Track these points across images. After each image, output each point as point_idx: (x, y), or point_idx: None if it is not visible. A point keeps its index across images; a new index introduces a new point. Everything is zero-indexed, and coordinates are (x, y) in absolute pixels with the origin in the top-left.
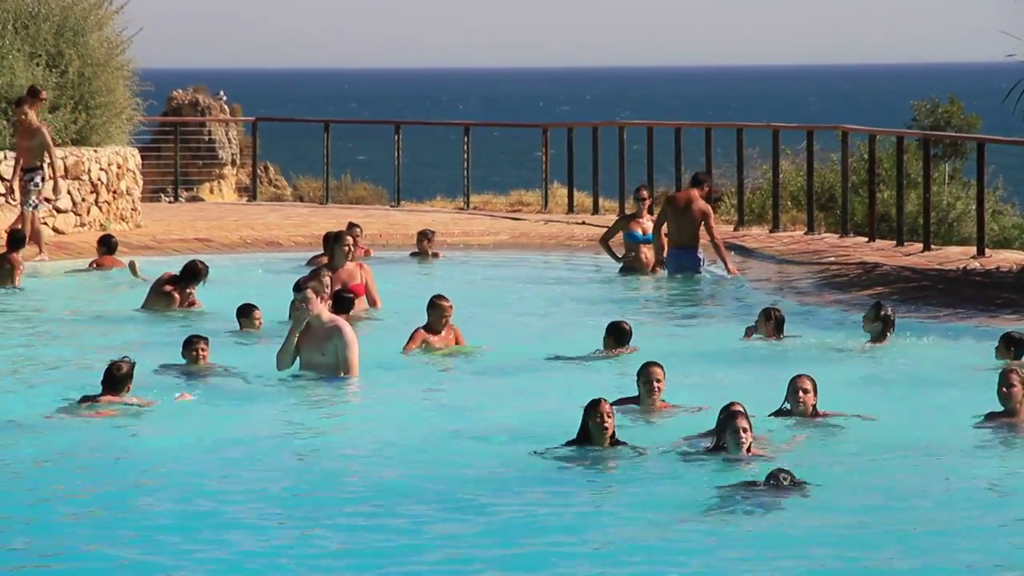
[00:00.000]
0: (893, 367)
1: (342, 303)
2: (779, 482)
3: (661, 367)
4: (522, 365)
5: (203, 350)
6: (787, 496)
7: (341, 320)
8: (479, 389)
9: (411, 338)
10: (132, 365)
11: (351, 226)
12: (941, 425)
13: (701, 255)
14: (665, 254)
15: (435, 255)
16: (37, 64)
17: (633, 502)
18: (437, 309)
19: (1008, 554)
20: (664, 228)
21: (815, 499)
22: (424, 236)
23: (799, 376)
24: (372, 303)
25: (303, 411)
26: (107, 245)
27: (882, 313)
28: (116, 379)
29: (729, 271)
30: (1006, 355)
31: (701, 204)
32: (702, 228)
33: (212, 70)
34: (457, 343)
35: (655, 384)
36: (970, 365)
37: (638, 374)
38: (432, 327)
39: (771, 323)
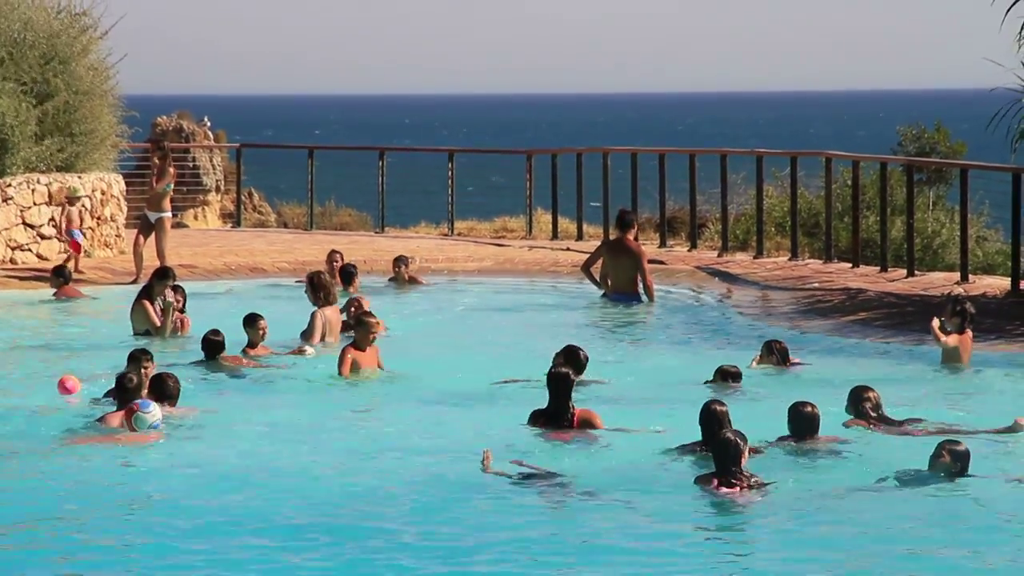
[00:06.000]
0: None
1: (211, 347)
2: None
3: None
4: (469, 390)
5: (147, 366)
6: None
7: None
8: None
9: (341, 359)
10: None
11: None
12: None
13: (643, 298)
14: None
15: (413, 281)
16: (24, 92)
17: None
18: (364, 326)
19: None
20: (602, 268)
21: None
22: (400, 262)
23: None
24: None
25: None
26: (62, 275)
27: (959, 308)
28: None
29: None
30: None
31: (634, 248)
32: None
33: (196, 96)
34: (379, 366)
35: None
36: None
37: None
38: (358, 345)
39: (774, 356)
